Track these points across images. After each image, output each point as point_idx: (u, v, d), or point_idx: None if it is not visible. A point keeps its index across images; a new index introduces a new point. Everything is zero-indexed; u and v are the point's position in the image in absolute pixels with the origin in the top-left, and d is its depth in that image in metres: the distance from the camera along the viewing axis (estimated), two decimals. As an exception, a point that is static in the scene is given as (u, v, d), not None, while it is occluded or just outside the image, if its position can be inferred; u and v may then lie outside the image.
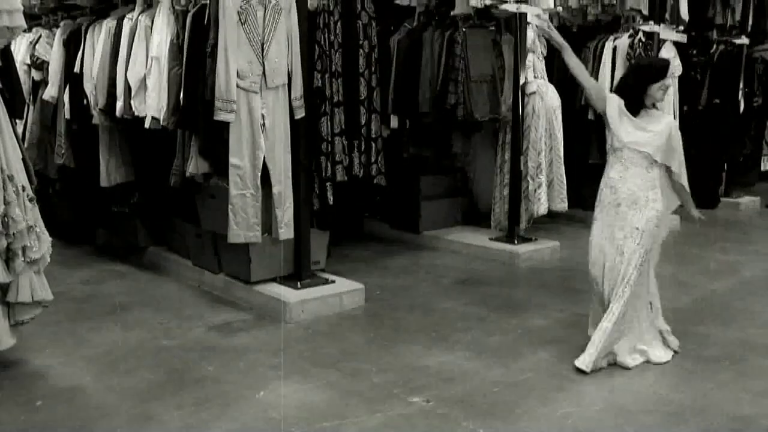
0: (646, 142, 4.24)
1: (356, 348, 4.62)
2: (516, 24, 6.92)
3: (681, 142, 4.36)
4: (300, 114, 5.37)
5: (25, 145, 6.75)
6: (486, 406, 3.77)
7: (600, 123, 8.11)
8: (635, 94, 4.29)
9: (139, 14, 5.78)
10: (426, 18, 7.26)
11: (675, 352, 4.44)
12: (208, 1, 5.13)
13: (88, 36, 6.32)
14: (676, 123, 4.41)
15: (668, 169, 4.35)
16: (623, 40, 8.03)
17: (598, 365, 4.19)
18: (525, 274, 6.50)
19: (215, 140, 5.20)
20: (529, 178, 7.05)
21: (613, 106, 4.31)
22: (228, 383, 4.05)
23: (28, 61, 7.07)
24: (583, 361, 4.17)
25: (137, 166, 6.52)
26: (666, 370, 4.26)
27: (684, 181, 4.41)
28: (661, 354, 4.37)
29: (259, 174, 5.17)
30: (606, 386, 4.02)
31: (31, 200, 4.11)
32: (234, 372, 4.22)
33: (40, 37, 7.04)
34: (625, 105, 4.28)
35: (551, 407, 3.76)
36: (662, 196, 4.36)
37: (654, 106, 4.34)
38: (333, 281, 5.56)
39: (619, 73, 8.00)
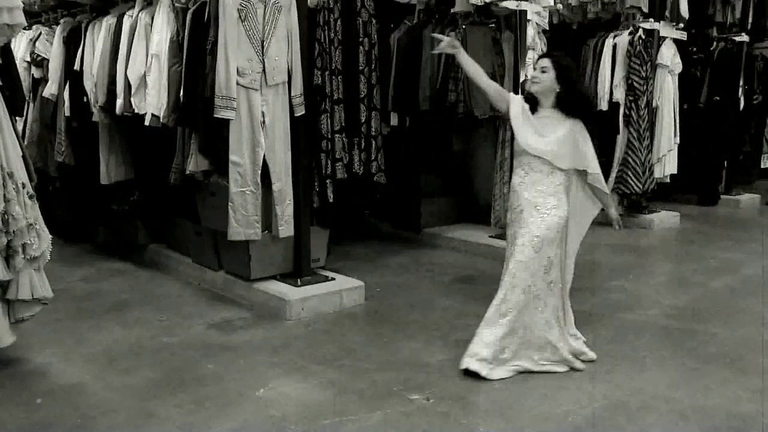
0: (545, 149, 4.07)
1: (356, 346, 4.62)
2: (516, 21, 6.92)
3: (591, 145, 4.17)
4: (300, 111, 5.37)
5: (25, 142, 6.75)
6: (486, 404, 3.77)
7: (600, 120, 8.18)
8: (528, 92, 4.20)
9: (139, 11, 5.78)
10: (426, 15, 7.25)
11: (582, 363, 4.23)
12: (208, -1, 5.13)
13: (88, 33, 6.32)
14: (581, 125, 4.14)
15: (583, 173, 4.19)
16: (623, 38, 8.04)
17: (493, 373, 4.01)
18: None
19: (215, 138, 5.20)
20: (529, 176, 7.03)
21: (517, 107, 4.14)
22: (228, 381, 4.05)
23: (28, 59, 7.07)
24: (472, 365, 4.02)
25: (137, 164, 6.52)
26: (666, 367, 4.26)
27: (600, 183, 4.23)
28: (574, 363, 4.20)
29: (259, 171, 5.17)
30: (606, 384, 4.02)
31: (31, 198, 4.11)
32: (234, 370, 4.22)
33: (40, 34, 7.03)
34: (530, 107, 4.14)
35: (551, 405, 3.76)
36: (580, 202, 4.26)
37: (567, 111, 4.09)
38: (333, 279, 5.57)
39: (619, 70, 8.03)
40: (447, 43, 4.35)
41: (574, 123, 4.12)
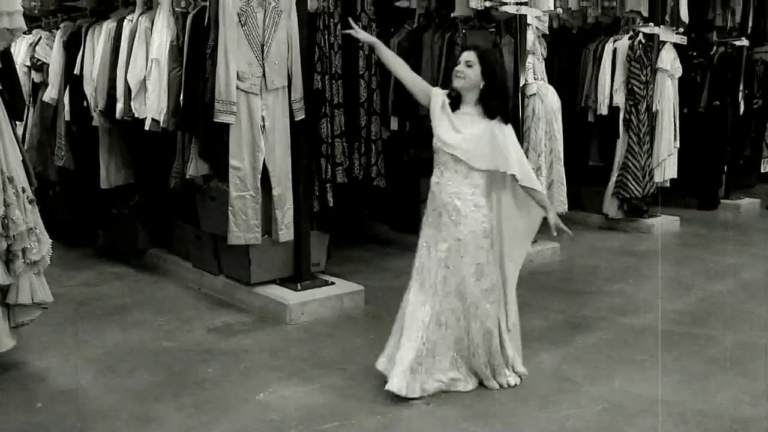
0: (457, 145, 3.81)
1: (356, 350, 4.62)
2: (516, 26, 6.92)
3: (516, 144, 3.91)
4: (300, 116, 5.37)
5: (25, 147, 6.75)
6: (486, 408, 3.76)
7: (600, 125, 8.21)
8: (449, 86, 3.92)
9: (139, 16, 5.78)
10: (426, 20, 7.25)
11: (518, 377, 4.04)
12: (208, 3, 5.13)
13: (88, 38, 6.32)
14: (503, 124, 3.85)
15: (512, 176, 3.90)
16: (623, 42, 8.04)
17: (417, 390, 3.77)
18: (525, 276, 6.43)
19: (215, 142, 5.20)
20: (529, 180, 7.03)
21: (437, 101, 3.90)
22: (228, 385, 4.05)
23: (28, 63, 7.07)
24: (395, 384, 3.76)
25: (137, 168, 6.51)
26: (666, 371, 4.25)
27: (533, 184, 3.93)
28: (508, 378, 3.99)
29: (259, 176, 5.17)
30: (606, 388, 4.02)
31: (31, 202, 4.11)
32: (234, 374, 4.21)
33: (40, 38, 7.04)
34: (451, 102, 3.89)
35: (551, 409, 3.75)
36: (514, 207, 4.00)
37: (488, 108, 3.84)
38: (333, 283, 5.56)
39: (619, 75, 8.03)
40: (364, 36, 4.26)
41: (496, 121, 3.85)
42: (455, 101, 3.89)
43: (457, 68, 3.86)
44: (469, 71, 3.82)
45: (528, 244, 4.24)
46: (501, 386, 3.96)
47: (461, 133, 3.83)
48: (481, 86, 3.83)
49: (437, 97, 3.91)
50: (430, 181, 3.94)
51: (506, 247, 4.04)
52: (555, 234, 3.98)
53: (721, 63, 9.43)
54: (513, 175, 3.86)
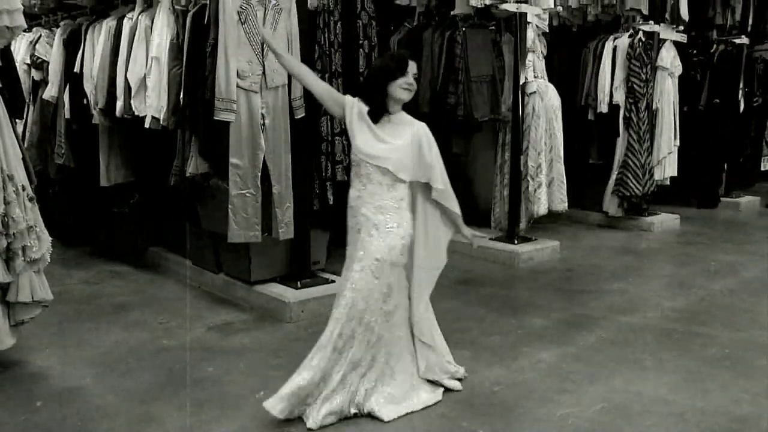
0: (385, 156, 3.58)
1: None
2: (516, 24, 6.93)
3: (439, 155, 3.70)
4: (300, 114, 5.37)
5: (25, 145, 6.76)
6: (486, 407, 3.77)
7: (600, 123, 8.21)
8: (376, 96, 3.65)
9: (139, 14, 5.78)
10: (426, 18, 7.26)
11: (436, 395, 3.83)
12: (208, 1, 5.13)
13: (88, 36, 6.32)
14: (427, 130, 3.69)
15: (428, 188, 3.72)
16: (623, 40, 8.05)
17: (318, 417, 3.52)
18: (525, 274, 6.50)
19: (215, 140, 5.20)
20: (529, 178, 7.05)
21: (353, 111, 3.65)
22: (228, 383, 4.05)
23: (28, 61, 7.07)
24: (269, 403, 3.53)
25: (137, 167, 6.51)
26: (666, 370, 4.25)
27: (447, 201, 3.75)
28: (426, 398, 3.78)
29: (259, 174, 5.16)
30: (606, 387, 4.02)
31: (31, 200, 4.11)
32: (234, 372, 4.21)
33: (40, 36, 7.04)
34: (369, 111, 3.64)
35: (551, 407, 3.76)
36: (430, 220, 3.80)
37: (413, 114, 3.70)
38: (333, 281, 5.56)
39: (619, 73, 8.03)
40: (270, 44, 3.92)
41: (420, 128, 3.68)
42: (375, 111, 3.65)
43: (407, 80, 3.63)
44: (415, 83, 3.68)
45: (443, 257, 3.91)
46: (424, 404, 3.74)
47: (388, 143, 3.61)
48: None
49: (352, 107, 3.66)
50: (349, 196, 3.71)
51: (419, 256, 3.80)
52: (475, 247, 4.01)
53: (721, 61, 9.44)
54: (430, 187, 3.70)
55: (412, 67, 3.66)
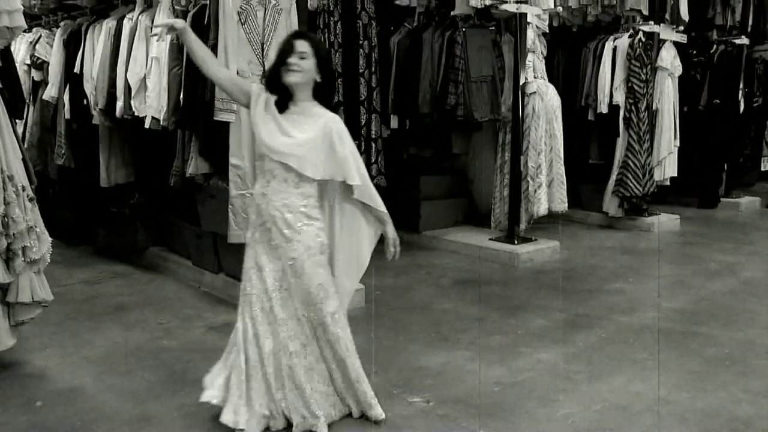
0: (288, 152, 3.27)
1: (356, 348, 4.61)
2: (516, 24, 6.93)
3: (355, 150, 3.41)
4: (300, 114, 5.36)
5: (25, 145, 6.76)
6: (486, 407, 3.77)
7: (600, 123, 8.21)
8: (272, 83, 3.35)
9: (139, 14, 5.79)
10: (426, 18, 7.26)
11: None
12: (208, 1, 5.13)
13: (88, 36, 6.32)
14: (340, 124, 3.37)
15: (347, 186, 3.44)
16: (623, 41, 8.05)
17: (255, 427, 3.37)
18: (525, 274, 6.50)
19: (215, 140, 5.20)
20: (529, 179, 7.05)
21: (259, 100, 3.36)
22: (228, 384, 4.04)
23: (28, 61, 7.08)
24: (230, 419, 3.39)
25: (137, 167, 6.52)
26: (666, 370, 4.25)
27: (368, 198, 3.46)
28: (376, 410, 3.53)
29: (259, 174, 5.16)
30: (606, 386, 4.02)
31: (31, 200, 4.11)
32: (234, 372, 4.21)
33: (40, 37, 7.05)
34: (276, 101, 3.35)
35: (551, 407, 3.75)
36: (349, 220, 3.52)
37: (326, 105, 3.39)
38: (333, 281, 5.55)
39: (619, 73, 8.04)
40: (166, 24, 3.40)
41: (331, 120, 3.35)
42: (282, 100, 3.35)
43: (290, 60, 3.26)
44: (304, 63, 3.28)
45: (366, 260, 3.62)
46: (373, 420, 3.53)
47: (292, 137, 3.30)
48: (317, 80, 3.34)
49: (259, 96, 3.37)
50: (255, 193, 3.44)
51: (339, 262, 3.54)
52: (389, 257, 3.53)
53: (721, 61, 9.44)
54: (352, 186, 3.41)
55: (299, 45, 3.29)
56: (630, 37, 8.02)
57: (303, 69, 3.27)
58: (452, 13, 6.98)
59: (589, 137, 8.46)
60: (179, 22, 3.39)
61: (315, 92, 3.36)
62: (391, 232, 3.55)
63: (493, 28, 7.13)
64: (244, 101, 3.43)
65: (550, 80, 7.47)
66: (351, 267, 3.58)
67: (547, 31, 7.58)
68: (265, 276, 3.37)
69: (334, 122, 3.36)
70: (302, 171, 3.30)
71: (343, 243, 3.55)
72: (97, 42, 6.21)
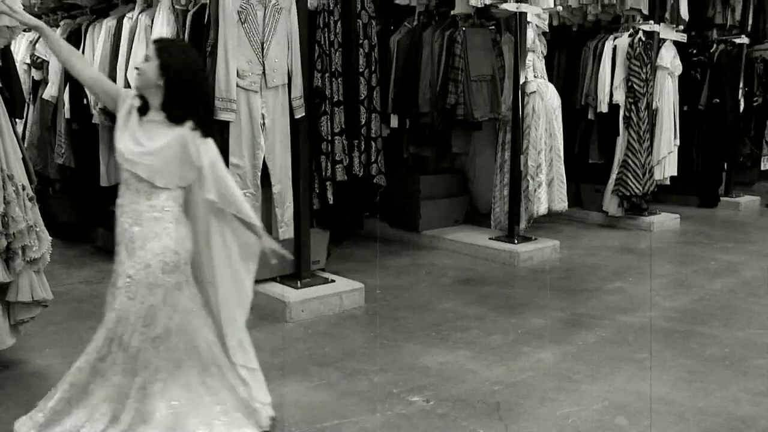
0: (137, 160, 3.08)
1: (356, 348, 4.62)
2: (516, 23, 6.93)
3: (215, 159, 3.17)
4: (300, 113, 5.37)
5: (25, 144, 6.75)
6: (486, 406, 3.77)
7: (600, 122, 8.21)
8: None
9: (139, 14, 5.78)
10: (426, 17, 7.26)
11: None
12: (208, 1, 5.12)
13: (88, 35, 6.32)
14: (195, 136, 3.11)
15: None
16: (623, 40, 8.05)
17: None
18: (525, 274, 6.50)
19: (215, 140, 5.18)
20: (528, 178, 7.06)
21: (125, 105, 3.18)
22: (228, 383, 4.04)
23: (28, 61, 7.07)
24: None
25: (137, 166, 6.51)
26: (666, 369, 4.26)
27: (232, 207, 3.20)
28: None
29: (259, 173, 5.17)
30: (606, 386, 4.02)
31: (31, 200, 4.10)
32: (234, 372, 4.20)
33: (40, 36, 7.03)
34: (139, 107, 3.16)
35: (551, 407, 3.76)
36: (221, 232, 3.26)
37: (171, 114, 3.11)
38: (333, 281, 5.56)
39: (619, 72, 8.04)
40: (27, 18, 3.38)
41: (188, 129, 3.12)
42: (143, 107, 3.16)
43: (137, 64, 3.19)
44: (145, 67, 3.11)
45: (250, 275, 3.38)
46: None
47: (142, 145, 3.10)
48: (161, 85, 3.09)
49: (125, 101, 3.19)
50: (116, 204, 3.23)
51: (219, 280, 3.31)
52: (273, 262, 3.30)
53: (720, 61, 9.44)
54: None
55: (149, 49, 3.19)
56: (630, 36, 8.02)
57: (143, 72, 3.11)
58: (452, 13, 6.98)
59: (589, 136, 8.45)
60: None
61: (163, 99, 3.12)
62: (267, 242, 3.29)
63: (493, 27, 7.13)
64: (112, 105, 3.24)
65: (550, 79, 7.47)
66: (232, 282, 3.34)
67: (547, 30, 7.58)
68: (115, 290, 3.18)
69: (187, 132, 3.11)
70: (151, 181, 3.10)
71: (219, 258, 3.30)
72: (97, 41, 6.20)
